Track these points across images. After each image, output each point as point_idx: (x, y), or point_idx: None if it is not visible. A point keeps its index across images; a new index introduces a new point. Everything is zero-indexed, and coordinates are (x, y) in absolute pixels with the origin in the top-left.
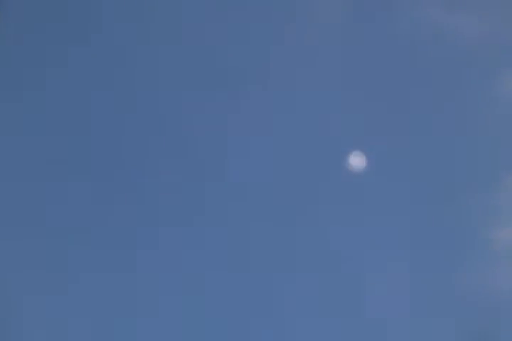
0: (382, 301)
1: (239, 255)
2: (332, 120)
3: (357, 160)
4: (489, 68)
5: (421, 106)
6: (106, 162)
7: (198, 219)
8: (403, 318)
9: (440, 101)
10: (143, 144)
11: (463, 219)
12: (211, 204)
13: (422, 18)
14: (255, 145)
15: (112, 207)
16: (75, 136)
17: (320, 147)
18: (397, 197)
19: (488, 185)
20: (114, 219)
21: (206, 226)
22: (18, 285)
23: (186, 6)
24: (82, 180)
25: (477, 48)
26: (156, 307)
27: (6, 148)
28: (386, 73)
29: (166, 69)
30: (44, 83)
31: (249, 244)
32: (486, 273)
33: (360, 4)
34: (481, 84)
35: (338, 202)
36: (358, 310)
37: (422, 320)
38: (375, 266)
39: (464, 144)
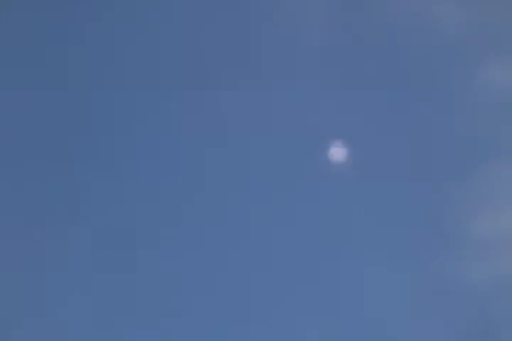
0: (360, 293)
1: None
2: (313, 111)
3: (338, 152)
4: (472, 57)
5: (401, 96)
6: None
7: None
8: (381, 308)
9: (421, 91)
10: None
11: (439, 209)
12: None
13: (406, 7)
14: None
15: None
16: None
17: (302, 139)
18: (374, 188)
19: (465, 175)
20: None
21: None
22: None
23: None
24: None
25: (461, 37)
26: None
27: None
28: (368, 63)
29: None
30: None
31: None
32: (461, 263)
33: None
34: (464, 75)
35: (318, 192)
36: (337, 304)
37: (399, 310)
38: (350, 257)
39: (441, 133)
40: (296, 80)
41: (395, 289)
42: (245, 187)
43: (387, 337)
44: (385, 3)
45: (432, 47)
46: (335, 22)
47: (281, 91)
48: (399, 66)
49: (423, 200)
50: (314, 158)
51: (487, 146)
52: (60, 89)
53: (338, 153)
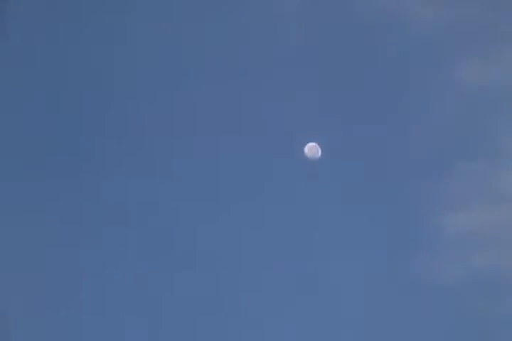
0: (334, 289)
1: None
2: (286, 110)
3: (311, 150)
4: (447, 58)
5: (377, 94)
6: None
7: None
8: (358, 307)
9: (397, 90)
10: None
11: (414, 205)
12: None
13: (382, 6)
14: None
15: None
16: None
17: (275, 137)
18: (349, 184)
19: (439, 171)
20: None
21: None
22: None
23: None
24: None
25: (437, 37)
26: None
27: None
28: (343, 61)
29: None
30: None
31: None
32: (436, 259)
33: None
34: (439, 74)
35: (291, 191)
36: (314, 303)
37: (375, 307)
38: (326, 254)
39: (417, 130)
40: (269, 79)
41: (370, 287)
42: (218, 187)
43: (364, 335)
44: (358, 2)
45: (408, 46)
46: (307, 22)
47: (255, 88)
48: (371, 66)
49: (397, 198)
50: (288, 157)
51: (462, 144)
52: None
53: (312, 151)
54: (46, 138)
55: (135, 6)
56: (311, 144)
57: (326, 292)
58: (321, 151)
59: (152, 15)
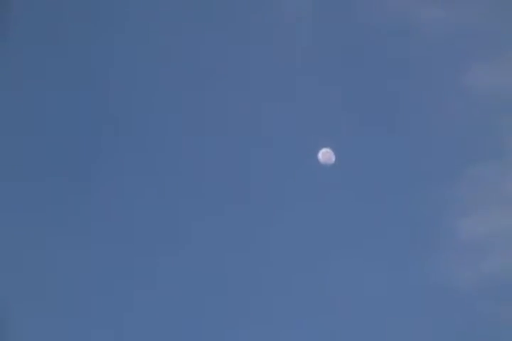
0: (351, 293)
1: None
2: (300, 116)
3: (326, 156)
4: (457, 60)
5: (388, 99)
6: None
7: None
8: (371, 309)
9: (408, 94)
10: None
11: (427, 210)
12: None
13: (393, 11)
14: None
15: None
16: None
17: (290, 143)
18: (362, 189)
19: (451, 176)
20: None
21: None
22: None
23: None
24: None
25: (447, 40)
26: None
27: None
28: (356, 67)
29: None
30: None
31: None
32: (448, 263)
33: None
34: (449, 77)
35: (308, 195)
36: (329, 305)
37: (388, 310)
38: (341, 259)
39: (428, 136)
40: (283, 83)
41: (384, 290)
42: (241, 190)
43: (376, 336)
44: (370, 7)
45: (418, 47)
46: (318, 24)
47: (270, 95)
48: (383, 71)
49: (411, 201)
50: (302, 162)
51: (473, 148)
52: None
53: (326, 156)
54: (46, 138)
55: (140, 6)
56: (324, 150)
57: (341, 294)
58: (335, 157)
59: (163, 18)
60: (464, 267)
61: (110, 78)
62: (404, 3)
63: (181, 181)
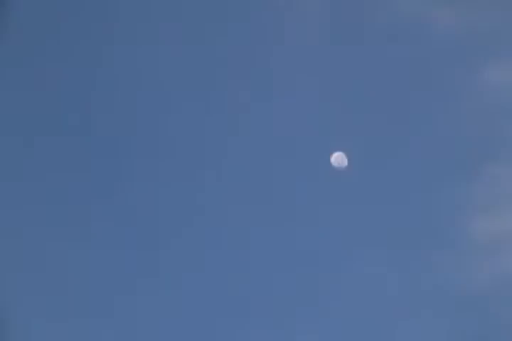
0: (360, 293)
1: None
2: (312, 119)
3: (339, 158)
4: (471, 60)
5: (402, 99)
6: None
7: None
8: (380, 309)
9: (421, 94)
10: None
11: (441, 210)
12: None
13: (405, 11)
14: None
15: None
16: None
17: (302, 146)
18: (377, 190)
19: (466, 175)
20: None
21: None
22: None
23: None
24: None
25: (460, 41)
26: None
27: None
28: (367, 68)
29: None
30: None
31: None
32: (464, 263)
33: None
34: (463, 77)
35: (322, 198)
36: (336, 304)
37: (397, 310)
38: (350, 258)
39: (443, 135)
40: (296, 83)
41: (394, 290)
42: (253, 194)
43: (388, 338)
44: (382, 8)
45: (431, 48)
46: (331, 23)
47: (281, 98)
48: (395, 71)
49: (423, 201)
50: (315, 166)
51: (488, 147)
52: None
53: (338, 160)
54: (46, 138)
55: (141, 5)
56: (337, 153)
57: (356, 295)
58: (349, 154)
59: (170, 17)
60: (480, 267)
61: (111, 78)
62: (416, 3)
63: (190, 183)
